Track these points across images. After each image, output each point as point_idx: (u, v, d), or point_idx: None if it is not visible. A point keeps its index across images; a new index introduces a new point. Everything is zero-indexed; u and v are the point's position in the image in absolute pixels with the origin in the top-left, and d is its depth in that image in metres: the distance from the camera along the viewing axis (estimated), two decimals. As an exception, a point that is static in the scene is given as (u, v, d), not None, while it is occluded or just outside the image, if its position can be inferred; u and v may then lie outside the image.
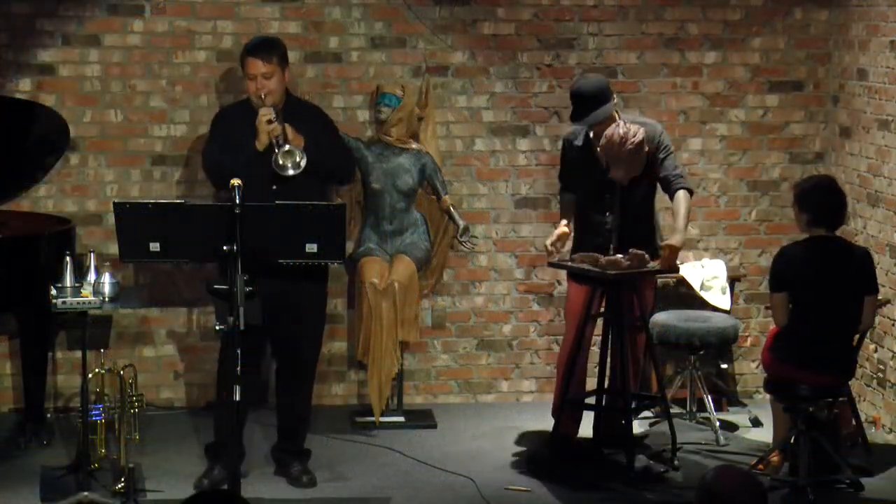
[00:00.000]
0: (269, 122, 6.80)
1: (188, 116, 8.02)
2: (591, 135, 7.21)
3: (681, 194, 7.19)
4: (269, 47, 6.98)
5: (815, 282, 6.79)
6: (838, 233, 7.00)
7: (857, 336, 6.99)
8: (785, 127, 8.44)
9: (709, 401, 7.76)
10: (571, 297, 7.35)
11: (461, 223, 7.85)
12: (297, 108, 7.04)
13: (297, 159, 6.76)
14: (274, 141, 6.78)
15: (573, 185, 7.36)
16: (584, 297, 7.17)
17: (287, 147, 6.76)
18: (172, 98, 7.98)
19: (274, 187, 6.66)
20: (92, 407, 6.79)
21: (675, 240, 7.05)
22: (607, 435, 7.31)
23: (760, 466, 7.01)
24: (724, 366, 8.31)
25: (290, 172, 6.75)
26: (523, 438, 7.65)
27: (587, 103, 7.07)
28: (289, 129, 6.82)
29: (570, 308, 7.35)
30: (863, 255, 6.96)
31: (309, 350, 7.06)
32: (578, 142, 7.31)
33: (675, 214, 7.18)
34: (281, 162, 6.75)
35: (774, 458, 7.03)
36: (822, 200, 6.85)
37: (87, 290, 6.68)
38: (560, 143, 7.56)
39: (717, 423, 7.65)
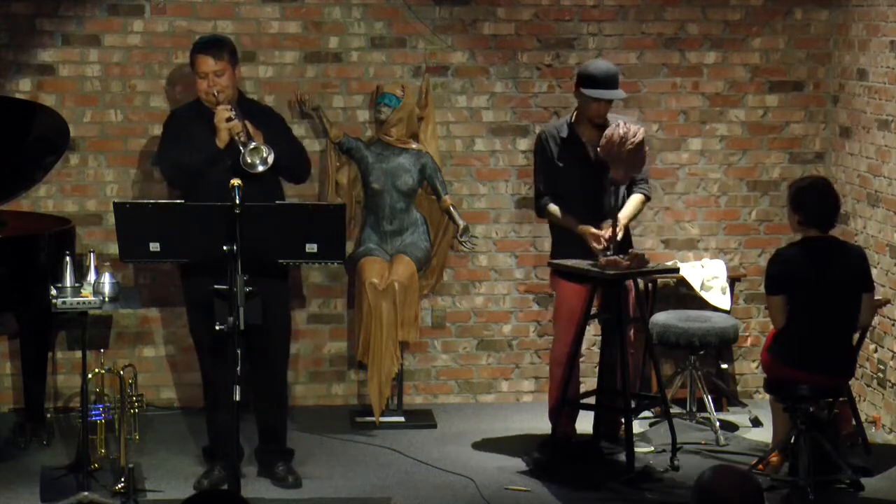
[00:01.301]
0: (229, 119, 6.71)
1: (188, 116, 8.02)
2: (573, 118, 7.20)
3: (638, 196, 7.28)
4: (219, 45, 6.92)
5: (812, 282, 6.79)
6: (834, 233, 7.00)
7: (856, 335, 7.00)
8: (785, 127, 8.44)
9: (709, 401, 7.76)
10: (565, 297, 7.31)
11: (461, 223, 7.84)
12: (249, 107, 6.97)
13: (265, 155, 6.65)
14: (237, 138, 6.69)
15: (559, 184, 7.22)
16: (582, 297, 7.15)
17: (253, 144, 6.65)
18: (172, 98, 7.98)
19: None
20: (92, 407, 6.79)
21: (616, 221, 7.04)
22: (607, 434, 7.33)
23: (760, 466, 7.00)
24: (724, 366, 8.30)
25: (260, 169, 6.64)
26: (523, 438, 7.64)
27: (613, 80, 7.08)
28: (249, 125, 6.72)
29: (563, 309, 7.32)
30: (857, 254, 6.96)
31: (278, 348, 6.99)
32: (564, 133, 7.24)
33: (624, 206, 7.18)
34: (249, 160, 6.63)
35: (774, 458, 7.02)
36: (815, 201, 6.84)
37: (87, 290, 6.67)
38: (535, 144, 7.40)
39: (717, 423, 7.65)
